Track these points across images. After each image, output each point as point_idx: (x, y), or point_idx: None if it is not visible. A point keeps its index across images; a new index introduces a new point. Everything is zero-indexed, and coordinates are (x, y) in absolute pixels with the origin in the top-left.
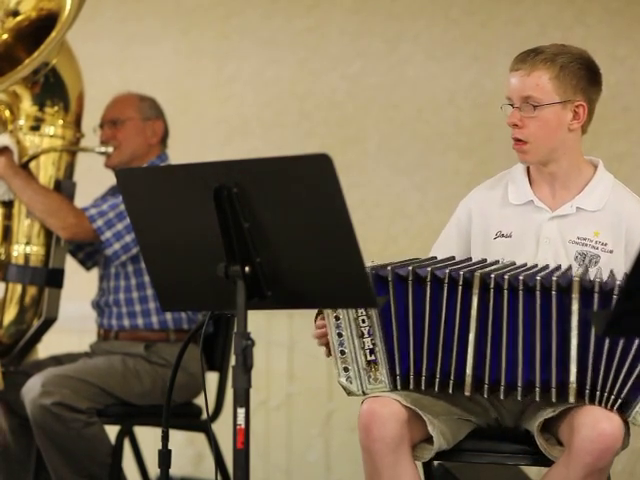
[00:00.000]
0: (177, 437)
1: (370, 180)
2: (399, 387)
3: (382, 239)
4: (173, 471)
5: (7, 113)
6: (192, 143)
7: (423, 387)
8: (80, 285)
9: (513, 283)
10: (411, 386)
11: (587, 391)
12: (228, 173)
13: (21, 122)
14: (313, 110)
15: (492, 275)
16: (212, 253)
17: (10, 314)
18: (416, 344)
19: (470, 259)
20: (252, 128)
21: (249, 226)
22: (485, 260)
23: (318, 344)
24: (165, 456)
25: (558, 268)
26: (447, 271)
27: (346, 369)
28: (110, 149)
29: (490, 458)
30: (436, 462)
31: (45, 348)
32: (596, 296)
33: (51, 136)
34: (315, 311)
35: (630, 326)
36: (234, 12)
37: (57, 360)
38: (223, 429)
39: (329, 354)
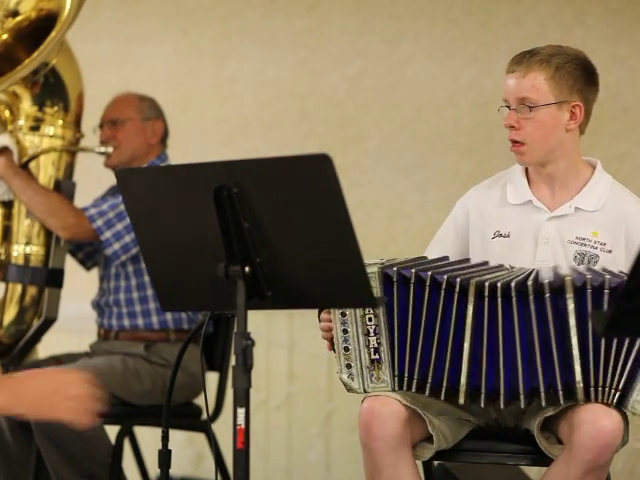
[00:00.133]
0: (177, 437)
1: (370, 180)
2: (401, 388)
3: (382, 239)
4: (173, 471)
5: (7, 113)
6: (192, 143)
7: (413, 390)
8: (80, 285)
9: (506, 290)
10: (405, 388)
11: (592, 388)
12: (228, 173)
13: (21, 122)
14: (313, 110)
15: (486, 283)
16: (212, 253)
17: (10, 314)
18: (412, 347)
19: (486, 263)
20: (252, 128)
21: (249, 226)
22: (487, 263)
23: (322, 337)
24: (165, 456)
25: (548, 270)
26: (445, 277)
27: (349, 366)
28: (110, 149)
29: (490, 458)
30: (436, 462)
31: (45, 348)
32: (589, 293)
33: (51, 136)
34: (316, 310)
35: (630, 326)
36: (234, 12)
37: (57, 360)
38: (223, 429)
39: (331, 348)
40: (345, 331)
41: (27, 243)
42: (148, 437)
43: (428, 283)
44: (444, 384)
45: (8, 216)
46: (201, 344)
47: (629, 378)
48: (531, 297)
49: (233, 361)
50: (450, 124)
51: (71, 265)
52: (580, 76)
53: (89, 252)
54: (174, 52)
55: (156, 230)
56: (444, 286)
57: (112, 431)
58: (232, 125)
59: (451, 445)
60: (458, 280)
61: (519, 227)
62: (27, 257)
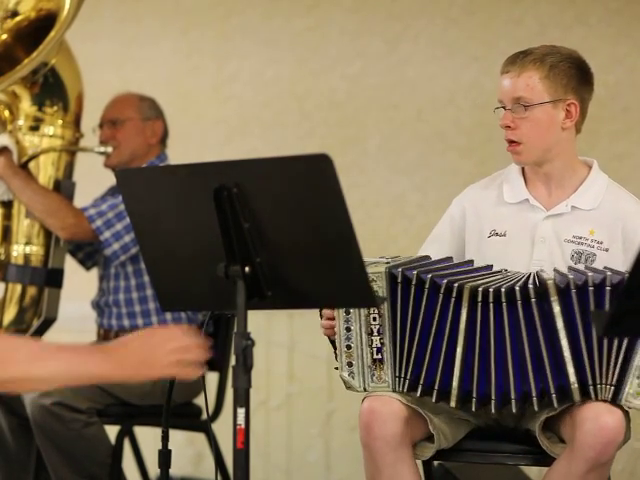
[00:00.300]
0: (177, 437)
1: (370, 180)
2: (402, 389)
3: (382, 239)
4: (173, 471)
5: (6, 113)
6: (192, 143)
7: (405, 390)
8: (80, 285)
9: (497, 296)
10: (399, 388)
11: (590, 387)
12: (228, 173)
13: (20, 122)
14: (313, 110)
15: (480, 288)
16: (212, 253)
17: (10, 314)
18: (409, 348)
19: (490, 267)
20: (252, 128)
21: (249, 226)
22: (491, 267)
23: (323, 333)
24: (165, 456)
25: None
26: (445, 281)
27: (350, 364)
28: (109, 149)
29: (490, 458)
30: (436, 462)
31: None
32: (573, 293)
33: (50, 136)
34: (316, 310)
35: (630, 326)
36: (234, 12)
37: None
38: (223, 429)
39: (331, 333)
40: (348, 329)
41: (27, 243)
42: (148, 437)
43: (427, 286)
44: (435, 387)
45: (8, 216)
46: None
47: (621, 372)
48: (519, 302)
49: (233, 361)
50: (450, 124)
51: (71, 265)
52: (574, 75)
53: (89, 252)
54: (174, 52)
55: (156, 230)
56: (442, 290)
57: (112, 431)
58: (232, 125)
59: (451, 445)
60: (456, 285)
61: (515, 226)
62: (27, 257)
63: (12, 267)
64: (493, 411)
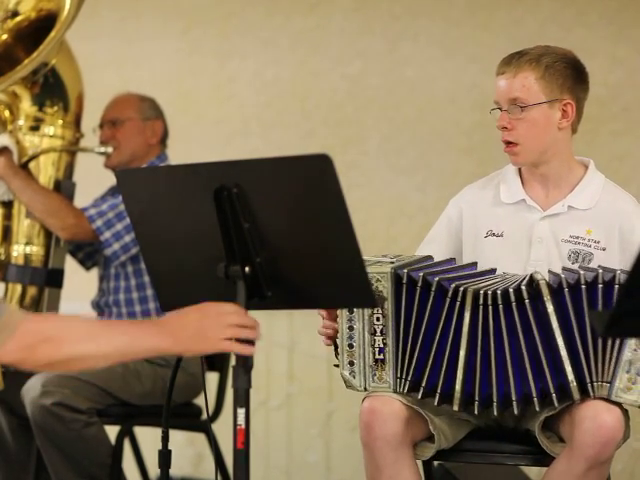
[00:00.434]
0: (177, 437)
1: (370, 180)
2: (403, 390)
3: (382, 239)
4: (173, 471)
5: (7, 113)
6: (192, 143)
7: (405, 391)
8: (80, 285)
9: (494, 297)
10: (400, 389)
11: (588, 385)
12: (228, 173)
13: (21, 122)
14: (313, 110)
15: (481, 291)
16: (212, 253)
17: None
18: (412, 349)
19: (494, 270)
20: (252, 128)
21: (249, 226)
22: (494, 271)
23: (321, 332)
24: (165, 456)
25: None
26: (452, 285)
27: (351, 363)
28: (110, 149)
29: (490, 458)
30: (436, 462)
31: None
32: (566, 292)
33: (51, 136)
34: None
35: (630, 326)
36: (234, 11)
37: None
38: (223, 429)
39: (329, 344)
40: (351, 328)
41: (27, 243)
42: (148, 437)
43: (434, 288)
44: (438, 390)
45: (8, 216)
46: None
47: (614, 368)
48: (514, 304)
49: (233, 361)
50: (450, 124)
51: (71, 265)
52: (570, 74)
53: (89, 252)
54: (174, 52)
55: (156, 230)
56: (450, 294)
57: (112, 431)
58: (232, 125)
59: (451, 445)
60: (461, 289)
61: (512, 226)
62: (27, 257)
63: (12, 267)
64: (495, 413)
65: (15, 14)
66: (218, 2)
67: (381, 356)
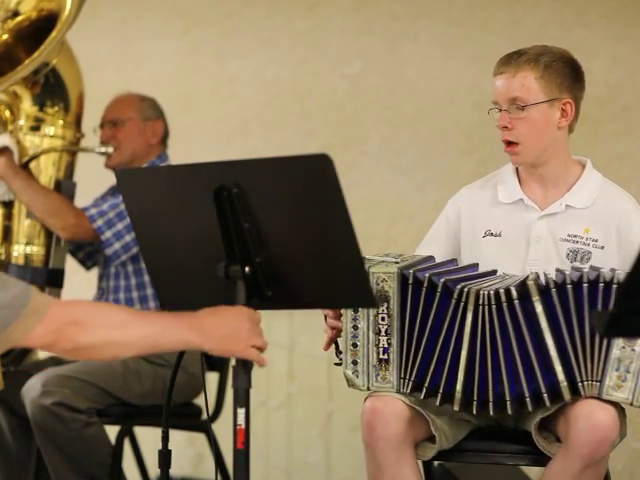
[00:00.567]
0: (177, 437)
1: (370, 180)
2: (406, 390)
3: (382, 239)
4: (173, 471)
5: (7, 113)
6: (192, 143)
7: (408, 391)
8: (80, 285)
9: (489, 298)
10: (403, 389)
11: (579, 384)
12: (228, 173)
13: (21, 122)
14: (313, 110)
15: (482, 292)
16: (212, 253)
17: None
18: (416, 350)
19: (495, 272)
20: (252, 128)
21: (249, 226)
22: (495, 272)
23: (328, 332)
24: (165, 456)
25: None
26: (458, 286)
27: (355, 362)
28: (110, 149)
29: (490, 458)
30: (436, 462)
31: None
32: (553, 292)
33: (51, 136)
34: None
35: (630, 326)
36: (234, 11)
37: (57, 360)
38: (223, 429)
39: (328, 347)
40: (355, 327)
41: (27, 243)
42: (148, 437)
43: (440, 289)
44: (440, 390)
45: (8, 216)
46: None
47: (603, 367)
48: (504, 305)
49: (233, 361)
50: (450, 124)
51: (71, 265)
52: (568, 74)
53: (89, 252)
54: (174, 52)
55: (156, 230)
56: (455, 295)
57: (112, 431)
58: (232, 125)
59: (452, 445)
60: (466, 290)
61: (510, 226)
62: (27, 257)
63: (13, 267)
64: (492, 413)
65: (16, 14)
66: (218, 2)
67: (385, 356)
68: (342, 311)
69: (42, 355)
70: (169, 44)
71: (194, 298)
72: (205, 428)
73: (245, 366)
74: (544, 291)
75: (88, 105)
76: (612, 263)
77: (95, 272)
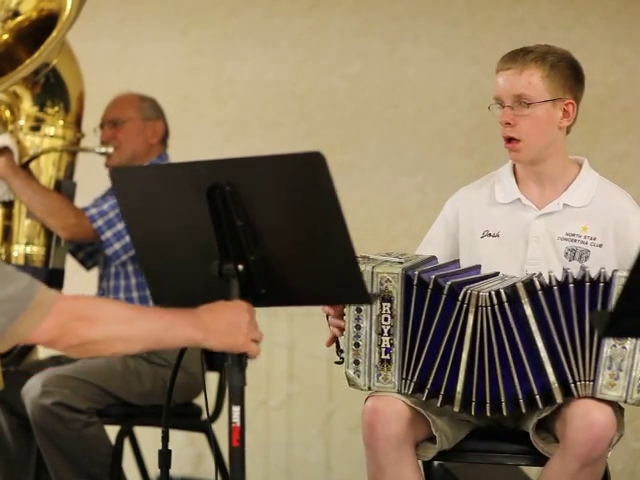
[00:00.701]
0: (177, 437)
1: (370, 180)
2: (407, 391)
3: (382, 239)
4: (173, 471)
5: (7, 113)
6: (192, 143)
7: (410, 392)
8: (80, 285)
9: (484, 299)
10: (404, 389)
11: (572, 385)
12: (221, 171)
13: (21, 122)
14: (313, 110)
15: (481, 294)
16: (206, 251)
17: None
18: (419, 351)
19: (497, 273)
20: (252, 128)
21: (242, 224)
22: (497, 274)
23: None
24: (165, 456)
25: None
26: (464, 289)
27: (357, 362)
28: (110, 149)
29: (490, 458)
30: (436, 462)
31: (45, 348)
32: (540, 293)
33: (51, 136)
34: (316, 310)
35: (630, 326)
36: (234, 12)
37: (57, 360)
38: (223, 429)
39: (330, 344)
40: (358, 327)
41: (27, 243)
42: (148, 437)
43: (445, 291)
44: (442, 392)
45: (8, 216)
46: None
47: (595, 366)
48: (496, 307)
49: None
50: (450, 124)
51: (71, 265)
52: (571, 75)
53: (89, 252)
54: (174, 52)
55: (150, 229)
56: (460, 297)
57: (112, 431)
58: (232, 125)
59: (452, 445)
60: (469, 292)
61: (508, 226)
62: (28, 257)
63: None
64: (489, 414)
65: (16, 14)
66: (218, 3)
67: (387, 356)
68: (345, 310)
69: (42, 355)
70: (169, 45)
71: (188, 296)
72: (205, 428)
73: (239, 364)
74: (532, 293)
75: (88, 105)
76: (610, 261)
77: (95, 272)
